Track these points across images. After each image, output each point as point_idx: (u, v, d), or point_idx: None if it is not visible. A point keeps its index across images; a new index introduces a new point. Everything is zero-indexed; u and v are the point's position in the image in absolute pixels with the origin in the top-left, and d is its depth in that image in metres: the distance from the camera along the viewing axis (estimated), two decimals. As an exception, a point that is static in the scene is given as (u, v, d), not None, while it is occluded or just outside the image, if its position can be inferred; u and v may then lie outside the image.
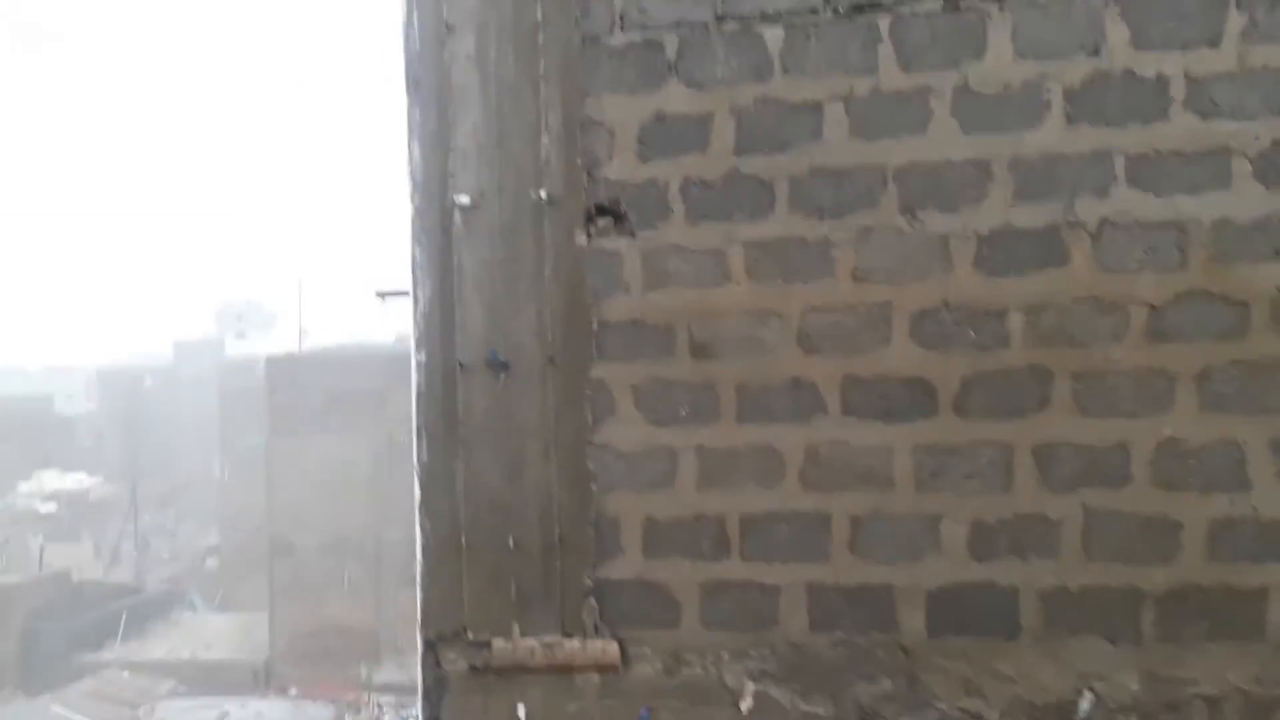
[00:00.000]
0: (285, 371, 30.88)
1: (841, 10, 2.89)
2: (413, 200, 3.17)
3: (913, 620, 2.81)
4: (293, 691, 27.32)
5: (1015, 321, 2.76)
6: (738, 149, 2.95)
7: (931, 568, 2.81)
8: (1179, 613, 2.68)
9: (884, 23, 2.87)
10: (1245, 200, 2.64)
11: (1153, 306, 2.69)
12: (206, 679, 28.35)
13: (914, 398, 2.81)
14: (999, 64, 2.79)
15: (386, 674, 26.32)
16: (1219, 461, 2.66)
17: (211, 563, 40.85)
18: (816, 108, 2.91)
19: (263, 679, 28.24)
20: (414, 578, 3.13)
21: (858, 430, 2.84)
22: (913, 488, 2.81)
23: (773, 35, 2.94)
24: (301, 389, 29.34)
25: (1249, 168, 2.64)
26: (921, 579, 2.81)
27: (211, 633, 32.56)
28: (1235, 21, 2.65)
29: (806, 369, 2.88)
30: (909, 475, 2.81)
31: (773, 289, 2.91)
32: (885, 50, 2.87)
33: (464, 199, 3.11)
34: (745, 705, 2.87)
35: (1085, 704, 2.66)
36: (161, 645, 31.38)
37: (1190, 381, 2.67)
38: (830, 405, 2.86)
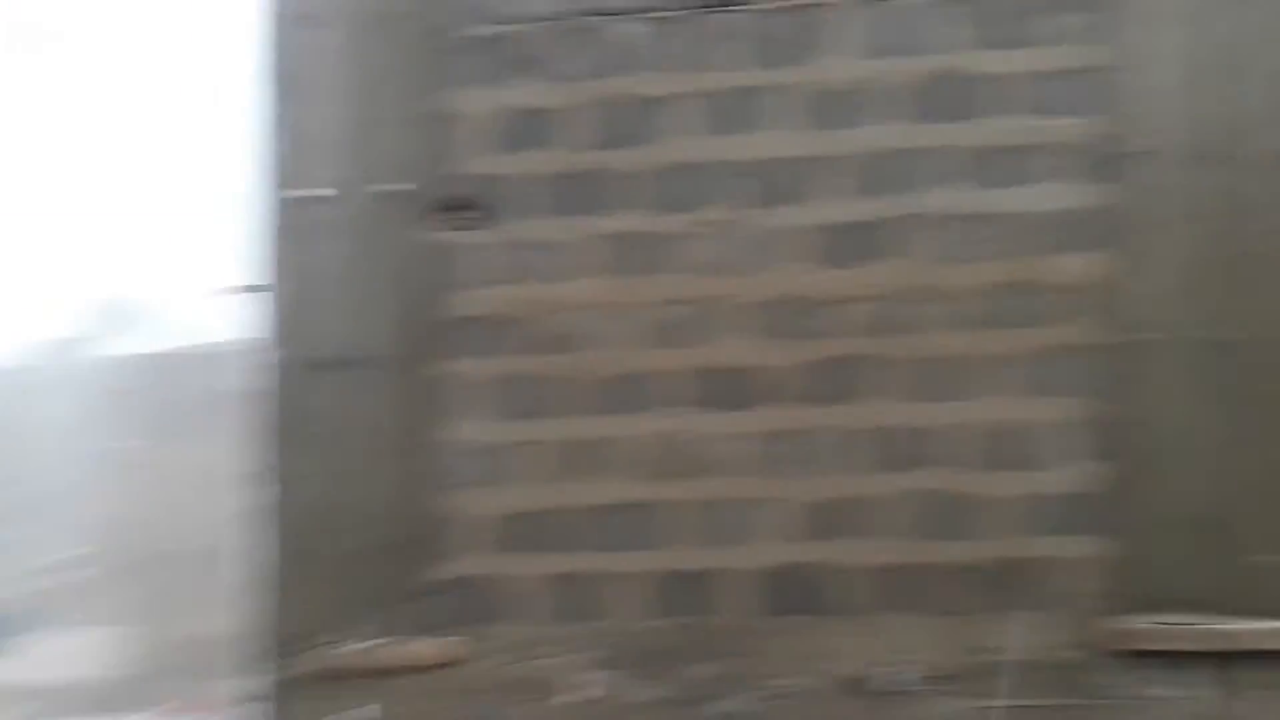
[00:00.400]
0: (157, 371, 29.44)
1: (697, 7, 3.00)
2: (268, 194, 3.14)
3: (748, 601, 2.92)
4: (158, 708, 26.07)
5: (854, 311, 2.92)
6: (594, 143, 3.03)
7: (769, 550, 2.92)
8: (986, 585, 2.86)
9: (738, 20, 3.00)
10: (1064, 193, 2.85)
11: (978, 294, 2.87)
12: (66, 700, 26.80)
13: (758, 386, 2.94)
14: (846, 62, 2.95)
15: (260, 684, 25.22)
16: (1029, 440, 2.86)
17: (76, 575, 38.64)
18: (672, 102, 3.01)
19: (128, 696, 26.87)
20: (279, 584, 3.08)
21: (704, 419, 2.95)
22: (755, 473, 2.93)
23: (630, 31, 3.03)
24: (174, 389, 28.03)
25: (1068, 163, 2.86)
26: (758, 561, 2.93)
27: (73, 649, 30.78)
28: (1058, 24, 2.87)
29: (657, 360, 2.97)
30: (752, 461, 2.93)
31: (625, 282, 2.99)
32: (738, 47, 2.99)
33: (319, 192, 3.09)
34: (586, 694, 2.93)
35: (905, 675, 2.83)
36: (17, 665, 29.52)
37: (1010, 365, 2.86)
38: (678, 395, 2.96)
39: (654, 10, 3.02)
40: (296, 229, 3.10)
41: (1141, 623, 2.73)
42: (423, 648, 2.97)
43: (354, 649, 2.98)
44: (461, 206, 3.05)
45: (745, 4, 2.98)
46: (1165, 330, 2.79)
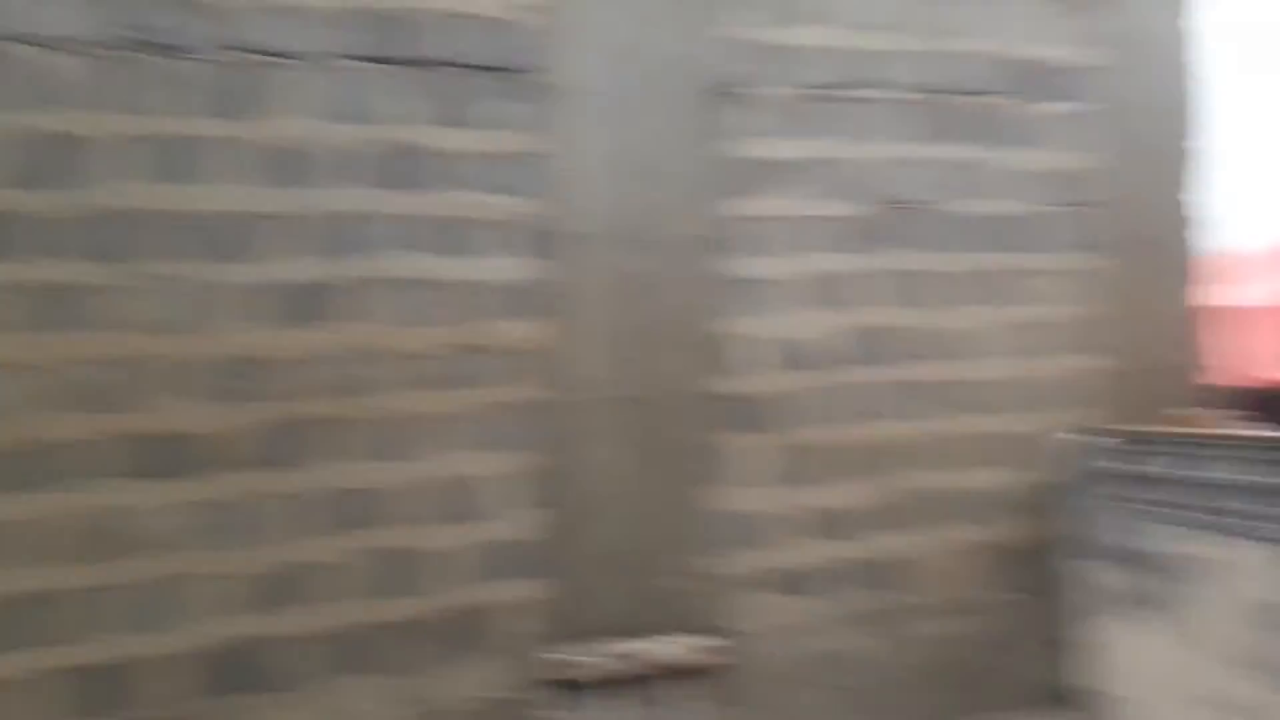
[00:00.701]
0: None
1: (135, 48, 2.90)
2: None
3: (185, 687, 2.80)
4: None
5: (308, 372, 2.97)
6: (5, 182, 2.76)
7: (209, 629, 2.83)
8: (438, 637, 3.06)
9: (183, 67, 2.93)
10: (509, 266, 3.21)
11: (430, 357, 3.10)
12: None
13: (199, 453, 2.85)
14: (301, 122, 3.03)
15: None
16: (476, 494, 3.13)
17: None
18: (104, 145, 2.84)
19: None
20: None
21: (134, 492, 2.78)
22: (194, 547, 2.83)
23: (56, 64, 2.82)
24: None
25: (512, 238, 3.22)
26: (197, 642, 2.82)
27: None
28: (503, 111, 3.23)
29: (76, 428, 2.74)
30: (191, 534, 2.83)
31: (39, 338, 2.74)
32: (183, 94, 2.92)
33: None
34: None
35: None
36: None
37: (459, 424, 3.12)
38: (102, 466, 2.76)
39: (85, 45, 2.86)
40: None
41: (576, 654, 3.12)
42: None
43: None
44: None
45: (190, 53, 2.95)
46: (593, 390, 3.26)
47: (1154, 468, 3.35)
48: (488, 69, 3.23)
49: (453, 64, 3.20)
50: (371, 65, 3.11)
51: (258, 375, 2.93)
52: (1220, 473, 3.08)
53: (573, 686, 3.09)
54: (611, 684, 3.12)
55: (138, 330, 2.83)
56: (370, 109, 3.11)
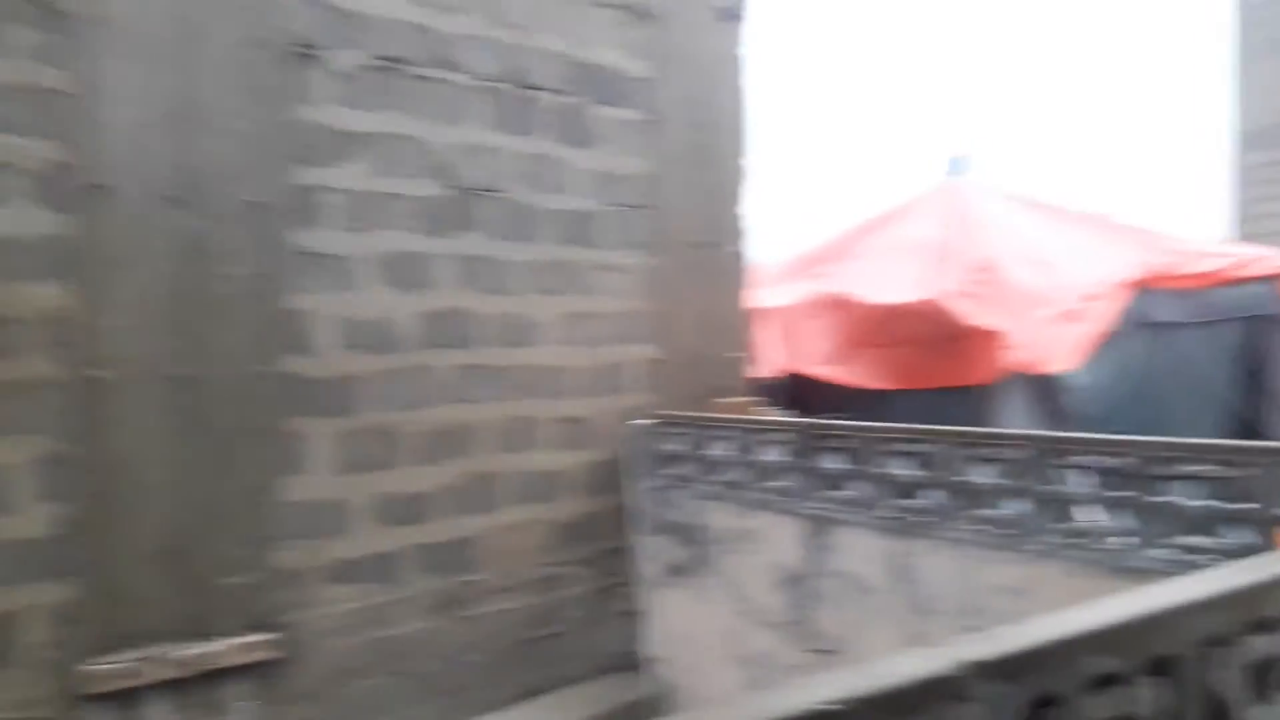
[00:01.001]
0: None
1: None
2: None
3: None
4: None
5: None
6: None
7: None
8: None
9: None
10: (23, 218, 2.86)
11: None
12: None
13: None
14: None
15: None
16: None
17: None
18: None
19: None
20: None
21: None
22: None
23: None
24: None
25: (21, 187, 2.86)
26: None
27: None
28: (10, 37, 2.85)
29: None
30: None
31: None
32: None
33: None
34: None
35: None
36: None
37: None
38: None
39: None
40: None
41: (111, 663, 2.88)
42: None
43: None
44: None
45: None
46: (129, 367, 2.99)
47: (707, 450, 3.89)
48: (-10, -14, 2.88)
49: (-53, -23, 2.81)
50: None
51: None
52: (753, 454, 3.66)
53: (110, 698, 2.86)
54: (154, 690, 2.94)
55: None
56: None
